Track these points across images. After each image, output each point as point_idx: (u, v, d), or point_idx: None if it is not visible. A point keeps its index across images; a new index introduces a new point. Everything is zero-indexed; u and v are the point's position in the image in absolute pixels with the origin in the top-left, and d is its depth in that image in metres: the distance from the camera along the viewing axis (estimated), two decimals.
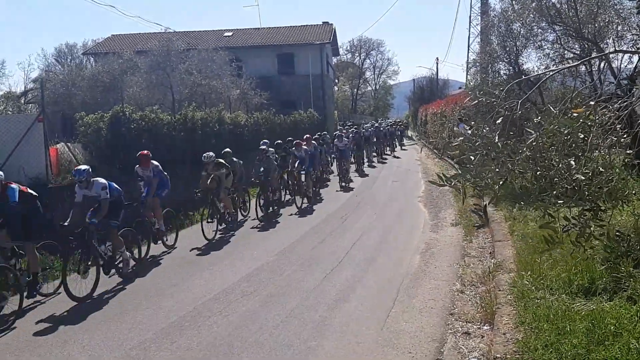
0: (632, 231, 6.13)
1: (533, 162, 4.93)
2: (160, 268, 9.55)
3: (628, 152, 5.23)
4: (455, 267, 8.50)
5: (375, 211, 14.17)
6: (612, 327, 4.82)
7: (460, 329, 6.09)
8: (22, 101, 29.04)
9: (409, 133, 55.32)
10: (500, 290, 6.57)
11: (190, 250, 10.59)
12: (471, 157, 4.98)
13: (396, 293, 7.37)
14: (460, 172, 5.15)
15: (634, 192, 5.74)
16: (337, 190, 18.28)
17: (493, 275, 7.42)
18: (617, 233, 5.63)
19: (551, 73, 9.67)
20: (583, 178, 4.75)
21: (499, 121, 5.05)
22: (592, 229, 5.22)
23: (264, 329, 6.38)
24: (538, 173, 4.93)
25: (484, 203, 5.28)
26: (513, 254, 8.05)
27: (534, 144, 4.84)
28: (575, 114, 4.93)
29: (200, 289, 8.06)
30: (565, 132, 4.79)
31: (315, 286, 7.93)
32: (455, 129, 21.33)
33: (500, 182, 4.93)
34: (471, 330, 6.00)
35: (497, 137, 4.92)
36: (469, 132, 5.33)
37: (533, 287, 6.18)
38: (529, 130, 4.98)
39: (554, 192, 4.88)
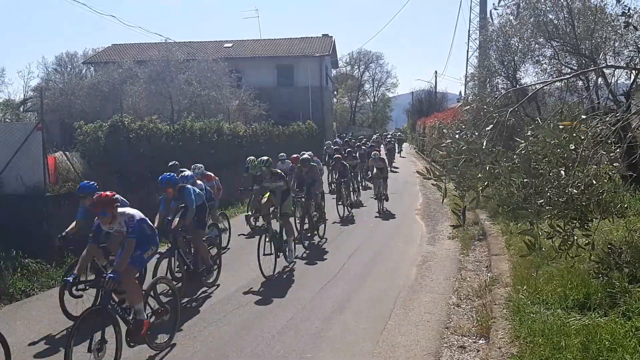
0: (624, 244, 6.16)
1: (521, 169, 4.98)
2: None
3: (615, 164, 5.29)
4: (451, 281, 8.51)
5: (372, 223, 14.18)
6: (606, 343, 4.84)
7: (455, 342, 6.10)
8: (21, 109, 29.09)
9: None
10: (496, 304, 6.59)
11: None
12: (456, 159, 5.05)
13: (392, 306, 7.37)
14: (445, 171, 5.21)
15: (626, 205, 5.78)
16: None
17: (489, 289, 7.44)
18: (609, 245, 5.66)
19: (541, 86, 9.75)
20: (575, 191, 4.79)
21: (489, 128, 5.10)
22: (576, 238, 5.25)
23: (260, 339, 6.37)
24: (525, 181, 4.97)
25: (464, 204, 5.31)
26: (509, 268, 8.07)
27: (522, 152, 4.89)
28: (562, 126, 4.98)
29: (195, 300, 8.04)
30: (553, 142, 4.84)
31: (312, 298, 7.92)
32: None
33: (481, 187, 4.98)
34: (467, 344, 6.01)
35: (485, 143, 4.97)
36: (457, 136, 5.39)
37: (529, 302, 6.20)
38: (518, 140, 5.04)
39: (540, 201, 4.91)
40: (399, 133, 56.22)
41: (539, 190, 4.92)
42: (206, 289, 8.54)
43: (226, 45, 40.35)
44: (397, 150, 38.57)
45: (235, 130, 20.61)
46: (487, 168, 4.91)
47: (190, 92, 23.62)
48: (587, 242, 5.48)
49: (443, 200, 5.90)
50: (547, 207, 4.98)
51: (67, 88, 26.25)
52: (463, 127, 5.51)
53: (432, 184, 5.26)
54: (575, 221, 5.15)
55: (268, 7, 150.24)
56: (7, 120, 24.18)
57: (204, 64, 25.60)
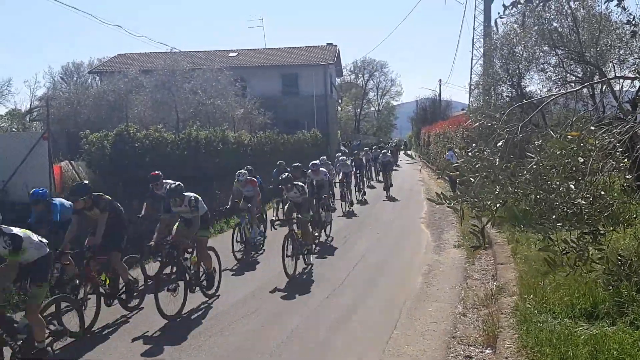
0: (633, 254, 6.12)
1: (534, 185, 4.94)
2: None
3: (628, 176, 5.25)
4: (457, 290, 8.47)
5: (377, 231, 14.15)
6: (614, 352, 4.80)
7: (462, 352, 6.06)
8: (28, 119, 29.28)
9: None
10: (502, 314, 6.55)
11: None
12: (471, 179, 5.00)
13: (398, 315, 7.33)
14: (459, 192, 5.16)
15: (634, 215, 5.73)
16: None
17: (495, 298, 7.39)
18: (619, 256, 5.62)
19: (553, 97, 9.72)
20: (584, 203, 4.75)
21: (499, 144, 5.07)
22: (590, 252, 5.21)
23: (266, 349, 6.35)
24: (538, 196, 4.93)
25: (483, 224, 5.28)
26: (516, 277, 8.02)
27: (534, 167, 4.85)
28: (569, 137, 4.95)
29: (201, 309, 8.03)
30: (561, 154, 4.81)
31: (317, 306, 7.90)
32: (444, 156, 21.56)
33: (498, 205, 4.93)
34: (473, 354, 5.97)
35: (498, 160, 4.94)
36: (470, 153, 5.34)
37: (535, 311, 6.16)
38: (529, 154, 5.00)
39: (554, 216, 4.87)
40: (391, 142, 43.25)
41: (553, 205, 4.88)
42: (208, 299, 8.45)
43: (231, 54, 40.51)
44: (388, 185, 22.14)
45: (240, 139, 20.65)
46: (503, 184, 4.86)
47: (196, 101, 23.71)
48: (600, 256, 5.44)
49: (462, 223, 5.84)
50: (558, 224, 4.93)
51: (73, 97, 26.37)
52: (474, 145, 5.45)
53: (447, 207, 5.20)
54: (587, 235, 5.10)
55: (273, 16, 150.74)
56: (14, 129, 24.33)
57: (209, 73, 25.69)
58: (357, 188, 20.96)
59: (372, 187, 24.98)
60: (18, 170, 11.25)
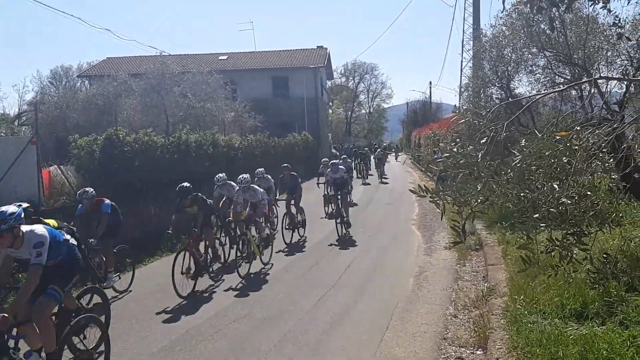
0: (619, 253, 6.17)
1: (517, 183, 4.97)
2: (152, 290, 9.43)
3: (613, 177, 5.29)
4: (448, 291, 8.49)
5: (369, 234, 14.16)
6: (604, 352, 4.82)
7: (453, 353, 6.08)
8: (16, 123, 29.02)
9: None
10: (493, 315, 6.58)
11: (182, 273, 10.36)
12: (454, 174, 5.04)
13: (390, 317, 7.34)
14: (441, 187, 5.20)
15: (621, 214, 5.78)
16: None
17: (486, 300, 7.42)
18: (604, 254, 5.66)
19: (539, 96, 9.79)
20: (569, 202, 4.78)
21: (483, 141, 5.11)
22: (574, 252, 5.25)
23: (258, 353, 6.33)
24: (521, 195, 4.97)
25: (463, 220, 5.31)
26: (506, 278, 8.06)
27: (518, 165, 4.89)
28: (558, 137, 4.99)
29: (192, 312, 7.99)
30: (548, 154, 4.84)
31: (309, 309, 7.89)
32: (434, 157, 21.65)
33: (479, 200, 4.96)
34: (464, 355, 5.99)
35: (480, 157, 4.97)
36: (454, 150, 5.38)
37: (526, 312, 6.19)
38: (514, 152, 5.04)
39: (536, 215, 4.90)
40: (379, 144, 41.91)
41: (535, 204, 4.91)
42: (203, 303, 8.42)
43: (221, 57, 40.46)
44: (342, 218, 13.98)
45: (231, 142, 20.62)
46: (486, 181, 4.90)
47: (185, 105, 23.65)
48: (584, 256, 5.48)
49: (442, 217, 5.85)
50: (541, 225, 4.97)
51: (61, 102, 26.25)
52: (458, 140, 5.52)
53: (430, 201, 5.23)
54: (571, 236, 5.14)
55: (263, 19, 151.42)
56: (2, 134, 24.11)
57: (199, 76, 25.64)
58: (286, 224, 13.44)
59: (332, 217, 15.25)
60: (6, 175, 11.17)
